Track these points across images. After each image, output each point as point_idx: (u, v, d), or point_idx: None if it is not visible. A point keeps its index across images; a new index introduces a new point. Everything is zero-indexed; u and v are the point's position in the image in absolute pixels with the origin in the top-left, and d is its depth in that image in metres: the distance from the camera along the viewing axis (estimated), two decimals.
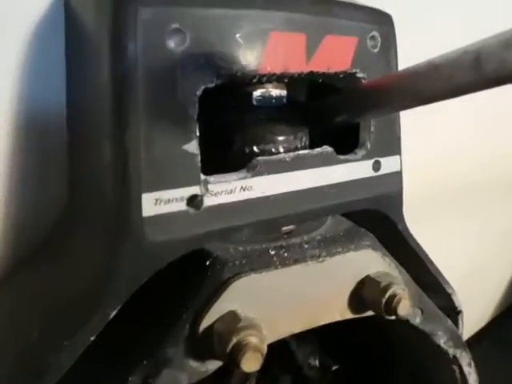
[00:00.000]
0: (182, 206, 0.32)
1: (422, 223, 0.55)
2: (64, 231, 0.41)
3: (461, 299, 0.56)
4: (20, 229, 0.45)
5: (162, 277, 0.35)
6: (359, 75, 0.40)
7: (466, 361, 0.48)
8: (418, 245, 0.52)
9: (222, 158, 0.38)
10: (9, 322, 0.39)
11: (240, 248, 0.37)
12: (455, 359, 0.47)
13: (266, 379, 0.58)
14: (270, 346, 0.35)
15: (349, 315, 0.40)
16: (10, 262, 0.45)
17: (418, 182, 0.74)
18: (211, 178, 0.34)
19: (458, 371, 0.48)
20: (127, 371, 0.32)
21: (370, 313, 0.41)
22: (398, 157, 0.47)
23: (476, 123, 0.81)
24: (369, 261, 0.40)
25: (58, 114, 0.40)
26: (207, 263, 0.35)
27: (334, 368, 0.57)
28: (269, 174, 0.36)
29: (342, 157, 0.42)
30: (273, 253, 0.36)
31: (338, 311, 0.39)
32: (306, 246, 0.38)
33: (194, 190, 0.33)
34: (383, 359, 0.56)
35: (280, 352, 0.56)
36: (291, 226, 0.41)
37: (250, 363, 0.30)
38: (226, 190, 0.34)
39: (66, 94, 0.40)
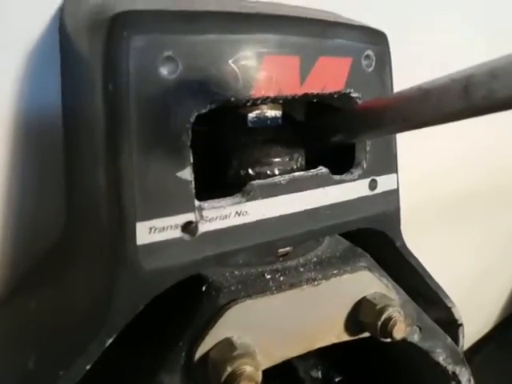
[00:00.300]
0: (176, 234, 0.32)
1: (422, 234, 0.55)
2: (61, 254, 0.41)
3: (462, 309, 0.56)
4: (18, 250, 0.46)
5: (157, 303, 0.35)
6: (353, 95, 0.40)
7: (465, 377, 0.48)
8: (416, 261, 0.51)
9: (218, 181, 0.38)
10: (5, 347, 0.39)
11: (236, 272, 0.37)
12: (455, 375, 0.47)
13: None
14: None
15: (345, 337, 0.39)
16: (6, 284, 0.45)
17: (418, 194, 0.74)
18: (205, 204, 0.33)
19: None
20: None
21: (366, 334, 0.41)
22: (394, 175, 0.47)
23: (475, 134, 0.81)
24: (365, 282, 0.40)
25: (57, 128, 0.40)
26: (203, 289, 0.35)
27: (337, 380, 0.57)
28: (263, 197, 0.36)
29: (338, 177, 0.42)
30: (268, 277, 0.36)
31: (335, 334, 0.39)
32: (301, 269, 0.38)
33: (189, 216, 0.33)
34: (384, 373, 0.56)
35: (281, 365, 0.56)
36: (287, 248, 0.41)
37: None
38: (221, 215, 0.34)
39: (61, 110, 0.40)
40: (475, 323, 1.12)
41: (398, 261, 0.49)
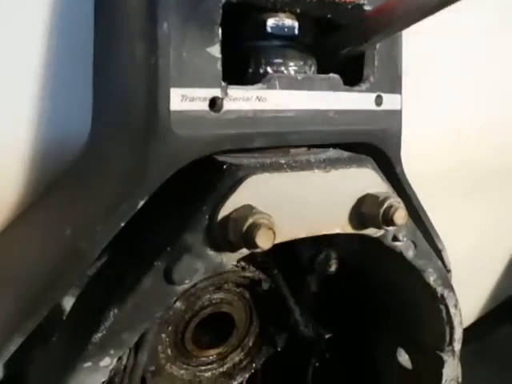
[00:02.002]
0: (204, 106, 0.36)
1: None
2: (91, 150, 0.44)
3: (457, 285, 0.55)
4: (46, 156, 0.47)
5: (181, 179, 0.39)
6: (366, 8, 0.44)
7: (452, 302, 0.50)
8: (413, 192, 0.54)
9: (239, 79, 0.42)
10: (44, 226, 0.42)
11: (252, 159, 0.40)
12: (443, 298, 0.49)
13: (263, 339, 0.59)
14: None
15: (349, 229, 0.43)
16: (35, 188, 0.48)
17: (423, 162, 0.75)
18: (230, 85, 0.37)
19: (444, 311, 0.50)
20: (153, 257, 0.35)
21: (369, 231, 0.44)
22: (398, 96, 0.50)
23: (481, 110, 0.82)
24: (369, 180, 0.44)
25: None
26: (224, 167, 0.38)
27: (327, 336, 0.59)
28: (281, 88, 0.40)
29: (347, 86, 0.45)
30: (283, 161, 0.40)
31: (339, 224, 0.42)
32: (312, 160, 0.42)
33: (216, 92, 0.36)
34: (374, 312, 0.57)
35: (277, 314, 0.58)
36: (299, 150, 0.45)
37: (264, 239, 0.34)
38: (244, 97, 0.38)
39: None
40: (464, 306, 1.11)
41: (395, 189, 0.52)
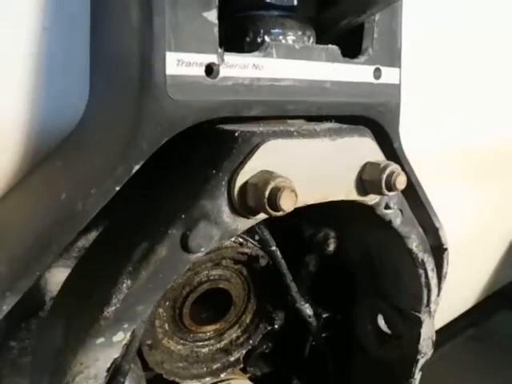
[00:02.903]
0: (200, 72, 0.36)
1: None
2: (88, 118, 0.44)
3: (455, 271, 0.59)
4: (44, 123, 0.47)
5: (185, 147, 0.39)
6: None
7: (430, 266, 0.52)
8: (411, 168, 0.54)
9: (237, 47, 0.41)
10: (41, 191, 0.42)
11: (261, 128, 0.39)
12: (423, 263, 0.51)
13: (261, 316, 0.60)
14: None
15: (353, 196, 0.43)
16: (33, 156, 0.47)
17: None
18: (227, 52, 0.37)
19: (423, 275, 0.51)
20: (167, 225, 0.34)
21: (368, 198, 0.44)
22: (397, 69, 0.50)
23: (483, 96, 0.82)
24: (369, 149, 0.43)
25: None
26: (236, 134, 0.37)
27: (324, 316, 0.59)
28: (278, 57, 0.39)
29: (346, 58, 0.45)
30: (292, 129, 0.39)
31: (344, 191, 0.42)
32: (317, 129, 0.41)
33: (212, 58, 0.36)
34: (359, 282, 0.58)
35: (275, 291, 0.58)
36: (296, 121, 0.45)
37: (288, 201, 0.33)
38: (240, 64, 0.37)
39: None
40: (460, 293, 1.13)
41: None
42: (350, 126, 0.46)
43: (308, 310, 0.58)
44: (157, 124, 0.35)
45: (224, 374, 0.59)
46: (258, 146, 0.35)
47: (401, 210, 0.48)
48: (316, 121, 0.46)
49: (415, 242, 0.50)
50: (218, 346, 0.58)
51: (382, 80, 0.48)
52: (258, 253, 0.54)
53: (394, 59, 0.49)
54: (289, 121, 0.44)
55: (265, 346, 0.61)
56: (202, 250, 0.35)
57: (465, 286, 1.17)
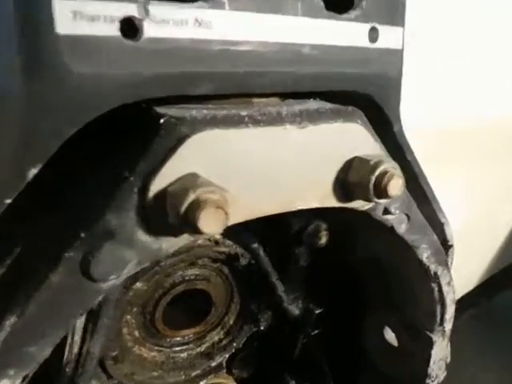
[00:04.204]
0: (113, 31, 0.24)
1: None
2: None
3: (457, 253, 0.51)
4: None
5: (101, 138, 0.28)
6: None
7: (445, 279, 0.45)
8: (413, 156, 0.44)
9: None
10: None
11: (204, 111, 0.28)
12: (436, 277, 0.44)
13: (245, 317, 0.54)
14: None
15: (330, 202, 0.32)
16: None
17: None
18: (154, 1, 0.25)
19: (436, 290, 0.45)
20: (62, 246, 0.25)
21: (355, 204, 0.34)
22: (400, 29, 0.38)
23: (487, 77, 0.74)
24: (358, 139, 0.33)
25: None
26: (161, 121, 0.27)
27: (317, 312, 0.54)
28: (233, 9, 0.28)
29: (332, 13, 0.33)
30: (244, 113, 0.28)
31: (318, 196, 0.32)
32: (284, 112, 0.30)
33: (130, 9, 0.24)
34: (363, 287, 0.52)
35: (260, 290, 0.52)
36: (265, 100, 0.33)
37: (210, 222, 0.23)
38: (175, 19, 0.26)
39: None
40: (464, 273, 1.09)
41: (392, 152, 0.41)
42: (335, 105, 0.34)
43: (296, 309, 0.53)
44: (55, 112, 0.24)
45: (204, 381, 0.53)
46: (183, 140, 0.25)
47: (407, 215, 0.39)
48: (297, 98, 0.35)
49: (426, 253, 0.42)
50: (199, 350, 0.53)
51: (379, 44, 0.37)
52: (237, 251, 0.48)
53: (395, 15, 0.38)
54: (255, 100, 0.33)
55: (250, 348, 0.55)
56: (112, 278, 0.26)
57: (467, 267, 1.13)
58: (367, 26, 0.36)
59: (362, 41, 0.36)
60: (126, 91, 0.26)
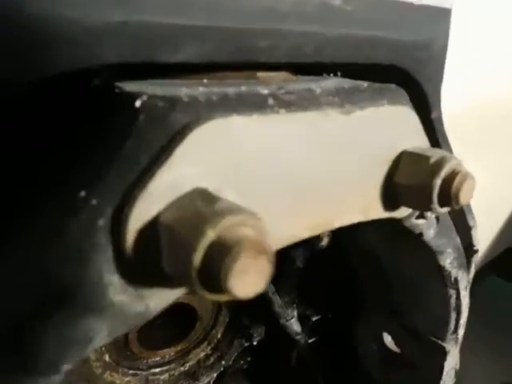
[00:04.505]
0: None
1: None
2: None
3: None
4: None
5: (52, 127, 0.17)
6: None
7: (463, 284, 0.41)
8: (450, 150, 0.37)
9: None
10: None
11: (201, 88, 0.18)
12: (455, 282, 0.40)
13: (235, 331, 0.49)
14: None
15: (376, 213, 0.24)
16: None
17: None
18: None
19: (454, 296, 0.41)
20: None
21: (401, 212, 0.25)
22: None
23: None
24: (407, 127, 0.24)
25: None
26: (136, 104, 0.16)
27: (314, 319, 0.51)
28: None
29: None
30: (266, 92, 0.19)
31: (361, 207, 0.23)
32: (318, 90, 0.21)
33: None
34: (362, 291, 0.47)
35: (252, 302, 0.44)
36: (273, 74, 0.23)
37: (246, 281, 0.14)
38: None
39: None
40: None
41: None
42: (371, 83, 0.25)
43: (295, 326, 0.49)
44: None
45: None
46: (182, 135, 0.15)
47: (437, 218, 0.34)
48: (308, 74, 0.26)
49: (449, 258, 0.37)
50: (182, 369, 0.48)
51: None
52: None
53: None
54: (259, 73, 0.23)
55: (241, 363, 0.51)
56: (67, 366, 0.16)
57: None
58: None
59: None
60: (78, 53, 0.15)
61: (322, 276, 0.49)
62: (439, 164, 0.23)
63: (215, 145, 0.16)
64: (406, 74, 0.30)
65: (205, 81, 0.19)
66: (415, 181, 0.23)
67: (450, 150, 0.36)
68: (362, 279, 0.47)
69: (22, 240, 0.16)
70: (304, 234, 0.20)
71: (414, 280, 0.42)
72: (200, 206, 0.15)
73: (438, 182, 0.23)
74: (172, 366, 0.47)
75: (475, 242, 0.45)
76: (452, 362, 0.44)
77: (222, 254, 0.13)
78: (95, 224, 0.15)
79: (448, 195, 0.23)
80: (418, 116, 0.27)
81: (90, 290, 0.16)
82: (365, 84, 0.25)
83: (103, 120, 0.17)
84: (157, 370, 0.47)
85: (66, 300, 0.15)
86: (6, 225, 0.16)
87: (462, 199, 0.23)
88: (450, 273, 0.38)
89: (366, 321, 0.48)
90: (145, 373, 0.46)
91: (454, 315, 0.42)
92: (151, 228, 0.15)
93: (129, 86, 0.17)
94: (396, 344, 0.47)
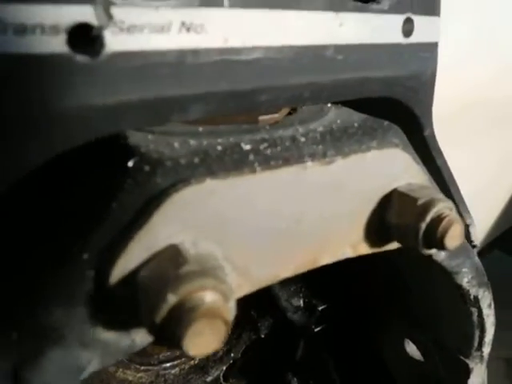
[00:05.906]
0: (59, 46, 0.16)
1: None
2: None
3: None
4: None
5: (45, 190, 0.20)
6: None
7: (486, 302, 0.39)
8: (444, 162, 0.38)
9: None
10: None
11: (191, 141, 0.21)
12: (476, 301, 0.38)
13: (243, 325, 0.49)
14: None
15: (364, 249, 0.25)
16: None
17: None
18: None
19: (476, 314, 0.39)
20: None
21: (393, 246, 0.26)
22: (437, 19, 0.30)
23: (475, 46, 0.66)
24: (398, 167, 0.25)
25: None
26: (129, 164, 0.19)
27: (320, 308, 0.50)
28: (234, 5, 0.20)
29: (359, 4, 0.25)
30: (247, 148, 0.21)
31: (350, 243, 0.24)
32: (302, 139, 0.22)
33: (83, 13, 0.16)
34: (385, 297, 0.46)
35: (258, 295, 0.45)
36: (275, 115, 0.26)
37: (201, 340, 0.15)
38: (152, 24, 0.18)
39: None
40: None
41: (421, 156, 0.35)
42: (365, 119, 0.27)
43: (302, 317, 0.49)
44: None
45: None
46: (163, 198, 0.17)
47: None
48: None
49: (466, 278, 0.36)
50: (192, 363, 0.49)
51: (414, 38, 0.29)
52: None
53: (432, 4, 0.29)
54: (261, 118, 0.25)
55: (250, 356, 0.50)
56: None
57: None
58: (401, 18, 0.27)
59: (395, 35, 0.28)
60: (84, 129, 0.18)
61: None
62: (426, 207, 0.23)
63: (191, 207, 0.18)
64: (399, 102, 0.31)
65: (200, 129, 0.22)
66: (403, 221, 0.24)
67: (442, 159, 0.37)
68: (375, 279, 0.46)
69: (20, 283, 0.19)
70: (288, 273, 0.22)
71: (436, 294, 0.41)
72: (168, 268, 0.17)
73: (423, 225, 0.23)
74: (181, 360, 0.48)
75: (473, 238, 0.44)
76: (476, 380, 0.43)
77: (179, 318, 0.16)
78: (83, 274, 0.17)
79: (434, 239, 0.24)
80: (413, 151, 0.28)
81: (80, 329, 0.18)
82: (356, 120, 0.27)
83: (103, 171, 0.19)
84: (168, 364, 0.48)
85: (58, 337, 0.18)
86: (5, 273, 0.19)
87: (448, 244, 0.24)
88: (468, 291, 0.38)
89: (386, 324, 0.47)
90: (156, 368, 0.47)
91: (477, 332, 0.41)
92: (131, 281, 0.18)
93: (133, 137, 0.20)
94: (422, 353, 0.46)
